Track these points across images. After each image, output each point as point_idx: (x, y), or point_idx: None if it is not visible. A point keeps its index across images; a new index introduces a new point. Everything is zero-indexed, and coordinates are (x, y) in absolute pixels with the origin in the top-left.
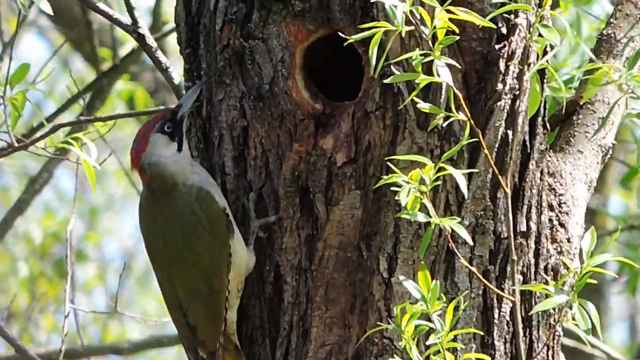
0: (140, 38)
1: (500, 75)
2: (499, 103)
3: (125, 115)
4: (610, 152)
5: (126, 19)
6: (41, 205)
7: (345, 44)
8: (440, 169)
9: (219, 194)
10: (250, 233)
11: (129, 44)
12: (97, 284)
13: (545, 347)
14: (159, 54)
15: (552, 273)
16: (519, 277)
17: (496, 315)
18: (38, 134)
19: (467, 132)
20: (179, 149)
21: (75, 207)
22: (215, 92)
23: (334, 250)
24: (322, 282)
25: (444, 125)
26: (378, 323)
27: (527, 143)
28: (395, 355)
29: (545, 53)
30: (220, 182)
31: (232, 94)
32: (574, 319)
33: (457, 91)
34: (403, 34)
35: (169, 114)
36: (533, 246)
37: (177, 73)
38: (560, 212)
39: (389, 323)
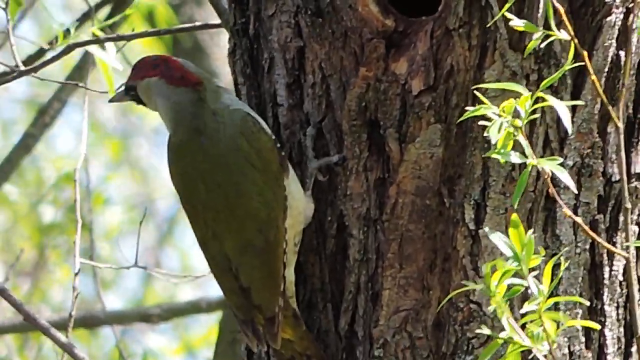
0: None
1: None
2: (608, 18)
3: (153, 33)
4: None
5: None
6: (56, 142)
7: None
8: (538, 99)
9: (263, 122)
10: (307, 176)
11: None
12: (127, 233)
13: None
14: None
15: None
16: (634, 228)
17: (606, 275)
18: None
19: (570, 53)
20: None
21: (86, 140)
22: (265, 5)
23: (409, 197)
24: (395, 235)
25: (542, 45)
26: (463, 284)
27: None
28: (484, 324)
29: None
30: (272, 114)
31: (285, 8)
32: None
33: (557, 4)
34: None
35: None
36: None
37: None
38: None
39: (476, 284)
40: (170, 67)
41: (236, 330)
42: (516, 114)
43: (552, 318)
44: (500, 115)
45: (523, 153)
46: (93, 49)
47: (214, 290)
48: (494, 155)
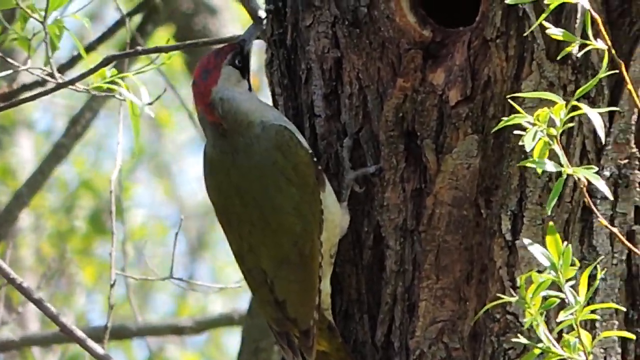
0: None
1: None
2: None
3: (190, 44)
4: None
5: None
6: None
7: None
8: (573, 108)
9: (301, 136)
10: (343, 187)
11: None
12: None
13: None
14: None
15: None
16: None
17: None
18: (82, 67)
19: (604, 61)
20: (250, 89)
21: (119, 153)
22: (303, 16)
23: (446, 208)
24: (432, 246)
25: (580, 55)
26: (500, 295)
27: None
28: (520, 334)
29: None
30: (309, 125)
31: (323, 18)
32: None
33: (595, 14)
34: None
35: (238, 46)
36: None
37: None
38: None
39: (512, 295)
40: (199, 93)
41: (259, 339)
42: (551, 123)
43: (589, 322)
44: (534, 124)
45: (559, 162)
46: (125, 92)
47: (244, 303)
48: (529, 164)
